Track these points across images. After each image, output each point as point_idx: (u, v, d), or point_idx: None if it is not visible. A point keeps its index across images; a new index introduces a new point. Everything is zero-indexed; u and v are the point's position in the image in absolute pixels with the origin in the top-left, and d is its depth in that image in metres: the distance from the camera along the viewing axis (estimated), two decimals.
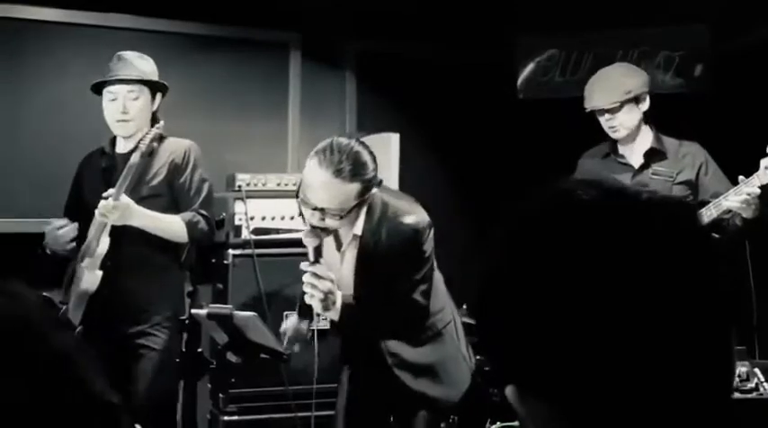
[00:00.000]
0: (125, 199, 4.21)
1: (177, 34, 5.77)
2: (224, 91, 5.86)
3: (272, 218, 5.19)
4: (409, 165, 5.39)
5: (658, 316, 1.04)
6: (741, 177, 4.17)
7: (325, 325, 4.89)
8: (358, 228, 3.56)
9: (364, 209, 3.52)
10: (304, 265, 3.47)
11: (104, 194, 4.22)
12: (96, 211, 4.23)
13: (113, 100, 4.44)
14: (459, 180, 6.39)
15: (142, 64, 4.50)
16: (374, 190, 3.47)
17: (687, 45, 5.98)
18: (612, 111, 4.59)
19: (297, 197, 3.59)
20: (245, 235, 5.07)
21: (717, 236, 4.31)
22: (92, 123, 5.25)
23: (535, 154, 5.94)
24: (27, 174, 5.43)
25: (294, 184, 5.25)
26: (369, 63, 6.21)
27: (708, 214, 4.31)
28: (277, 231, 5.18)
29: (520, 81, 6.27)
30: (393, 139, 5.29)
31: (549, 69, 6.23)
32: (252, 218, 5.11)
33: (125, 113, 4.43)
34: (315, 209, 3.39)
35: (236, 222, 5.06)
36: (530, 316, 1.07)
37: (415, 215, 3.54)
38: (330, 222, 3.43)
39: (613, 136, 4.67)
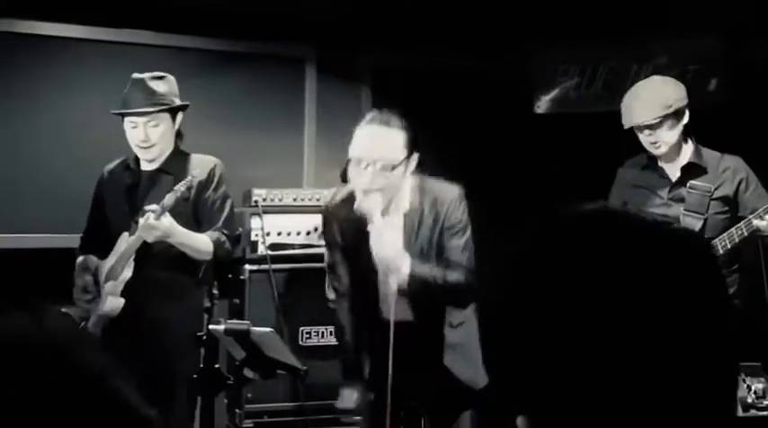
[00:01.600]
0: (167, 219, 4.19)
1: (193, 49, 5.78)
2: (240, 105, 5.87)
3: (288, 234, 5.21)
4: None
5: (668, 351, 1.05)
6: None
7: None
8: (404, 203, 3.78)
9: (408, 186, 3.76)
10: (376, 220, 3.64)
11: (147, 207, 4.21)
12: (139, 228, 4.22)
13: (134, 127, 4.41)
14: (474, 193, 6.36)
15: (160, 86, 4.44)
16: (416, 157, 3.73)
17: (701, 58, 5.97)
18: (653, 127, 4.43)
19: (344, 181, 3.81)
20: (262, 250, 5.09)
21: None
22: (108, 139, 5.30)
23: (551, 167, 5.94)
24: (38, 190, 5.43)
25: (310, 199, 5.30)
26: (384, 77, 6.23)
27: (738, 234, 4.24)
28: (293, 246, 5.20)
29: (536, 95, 6.27)
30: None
31: (564, 83, 6.23)
32: (268, 234, 5.13)
33: (146, 141, 4.41)
34: (367, 166, 3.61)
35: (253, 237, 5.08)
36: (538, 350, 1.08)
37: (452, 186, 3.85)
38: (382, 180, 3.62)
39: (655, 152, 4.53)
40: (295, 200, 5.30)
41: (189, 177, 4.25)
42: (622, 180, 4.76)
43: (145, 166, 4.52)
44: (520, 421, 1.11)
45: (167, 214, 4.19)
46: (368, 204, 3.65)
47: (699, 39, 5.96)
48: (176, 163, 4.49)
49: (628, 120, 4.49)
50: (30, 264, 5.34)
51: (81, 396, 1.13)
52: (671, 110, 4.41)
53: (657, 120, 4.40)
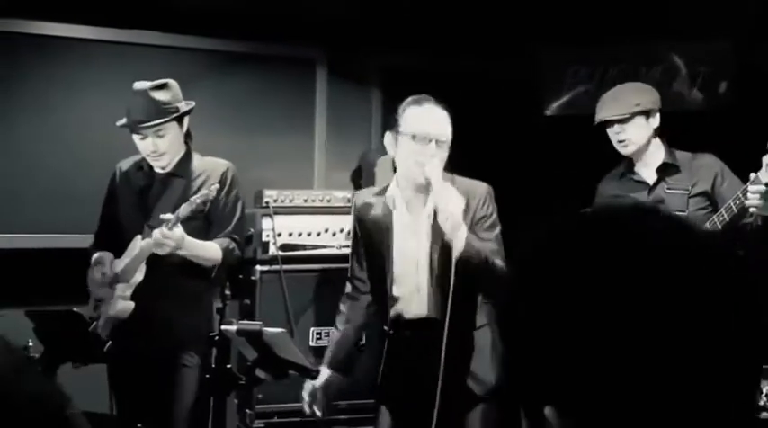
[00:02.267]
0: (179, 231, 4.19)
1: (203, 50, 5.79)
2: (250, 107, 5.88)
3: (299, 235, 5.23)
4: None
5: (687, 343, 1.06)
6: (752, 174, 4.18)
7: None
8: None
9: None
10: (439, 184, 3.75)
11: (163, 216, 4.20)
12: (153, 240, 4.22)
13: (142, 139, 4.40)
14: None
15: (162, 95, 4.38)
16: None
17: (711, 61, 5.98)
18: (622, 122, 4.57)
19: (394, 172, 3.98)
20: (273, 251, 5.11)
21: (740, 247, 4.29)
22: (114, 139, 5.32)
23: (560, 169, 5.94)
24: (48, 190, 5.45)
25: (321, 200, 5.32)
26: (394, 78, 6.24)
27: (720, 220, 4.30)
28: (304, 247, 5.22)
29: (545, 97, 6.28)
30: None
31: (574, 86, 6.24)
32: (279, 235, 5.15)
33: (156, 151, 4.41)
34: (429, 141, 3.80)
35: (264, 238, 5.09)
36: (558, 339, 1.10)
37: (481, 183, 4.00)
38: (443, 154, 3.84)
39: (623, 151, 4.65)
40: (306, 200, 5.32)
41: (206, 191, 4.23)
42: (602, 193, 4.85)
43: (158, 169, 4.52)
44: (548, 410, 1.12)
45: (179, 225, 4.18)
46: (430, 170, 3.75)
47: (709, 42, 5.97)
48: (188, 166, 4.49)
49: (598, 116, 4.65)
50: (37, 265, 5.38)
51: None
52: (639, 108, 4.56)
53: (625, 116, 4.55)
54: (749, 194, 4.15)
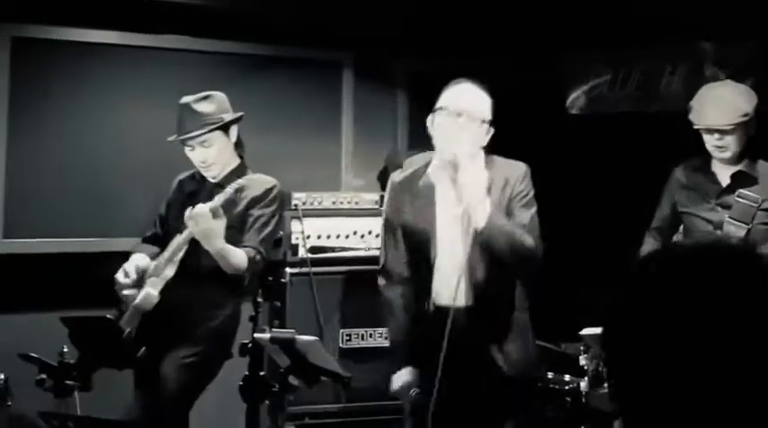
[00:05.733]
0: (220, 219, 4.24)
1: (231, 54, 5.83)
2: (278, 110, 5.91)
3: (328, 237, 5.28)
4: None
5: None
6: None
7: (382, 342, 4.97)
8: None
9: (480, 158, 3.94)
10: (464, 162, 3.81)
11: (203, 206, 4.26)
12: (187, 214, 4.28)
13: (191, 150, 4.51)
14: None
15: (205, 107, 4.49)
16: (492, 130, 3.99)
17: (736, 60, 5.96)
18: (726, 132, 4.43)
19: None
20: (302, 253, 5.16)
21: None
22: (146, 144, 5.38)
23: (585, 168, 5.96)
24: (83, 195, 5.50)
25: (349, 202, 5.37)
26: (420, 81, 6.27)
27: None
28: (333, 249, 5.27)
29: (568, 96, 6.29)
30: None
31: (598, 85, 6.24)
32: (308, 237, 5.20)
33: (204, 162, 4.51)
34: (460, 115, 3.87)
35: (293, 241, 5.14)
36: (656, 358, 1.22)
37: (520, 163, 4.05)
38: (471, 130, 3.88)
39: (719, 156, 4.53)
40: (334, 203, 5.39)
41: (236, 184, 4.28)
42: (676, 180, 4.75)
43: (210, 179, 4.61)
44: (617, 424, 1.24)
45: (221, 215, 4.24)
46: (458, 147, 3.80)
47: (735, 40, 5.95)
48: (234, 179, 4.51)
49: (701, 121, 4.49)
50: (71, 269, 5.45)
51: None
52: (746, 118, 4.42)
53: (731, 127, 4.42)
54: None
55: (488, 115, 3.97)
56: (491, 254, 3.85)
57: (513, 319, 4.01)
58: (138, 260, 4.52)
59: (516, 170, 4.01)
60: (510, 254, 3.84)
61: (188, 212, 4.27)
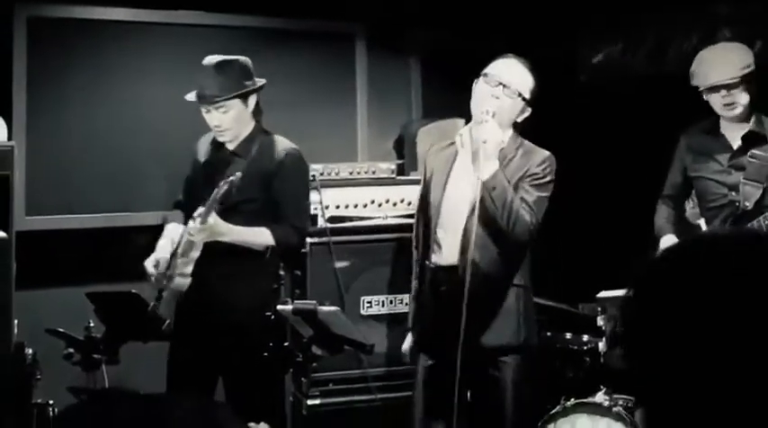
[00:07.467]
0: (212, 219, 4.28)
1: (244, 28, 5.85)
2: (293, 83, 5.93)
3: (346, 207, 5.35)
4: None
5: None
6: None
7: (402, 308, 5.05)
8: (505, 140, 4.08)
9: (510, 134, 4.12)
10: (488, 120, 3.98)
11: (194, 214, 4.33)
12: (185, 232, 4.35)
13: (207, 112, 4.51)
14: None
15: (225, 73, 4.48)
16: (528, 111, 4.20)
17: (745, 21, 5.95)
18: (731, 87, 4.46)
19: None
20: (321, 223, 5.22)
21: None
22: (170, 119, 5.43)
23: (598, 135, 5.97)
24: (103, 171, 5.55)
25: (366, 172, 5.43)
26: (433, 52, 6.30)
27: None
28: (351, 219, 5.34)
29: (581, 64, 6.30)
30: (459, 125, 5.38)
31: (611, 53, 6.24)
32: (327, 207, 5.26)
33: (219, 126, 4.52)
34: (498, 85, 4.08)
35: (312, 211, 5.21)
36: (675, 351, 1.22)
37: (547, 151, 4.16)
38: (503, 100, 4.08)
39: (729, 114, 4.53)
40: (351, 173, 5.44)
41: (231, 178, 4.25)
42: (684, 145, 4.79)
43: (226, 145, 4.63)
44: (638, 415, 1.25)
45: (214, 214, 4.27)
46: (489, 107, 3.98)
47: (743, 2, 5.95)
48: (250, 147, 4.58)
49: (705, 81, 4.53)
50: (96, 244, 5.53)
51: None
52: (748, 71, 4.46)
53: (736, 80, 4.45)
54: None
55: (527, 92, 4.12)
56: (489, 217, 3.93)
57: (504, 288, 4.10)
58: (172, 231, 4.56)
59: (539, 155, 4.13)
60: (504, 220, 3.94)
61: (189, 226, 4.33)
